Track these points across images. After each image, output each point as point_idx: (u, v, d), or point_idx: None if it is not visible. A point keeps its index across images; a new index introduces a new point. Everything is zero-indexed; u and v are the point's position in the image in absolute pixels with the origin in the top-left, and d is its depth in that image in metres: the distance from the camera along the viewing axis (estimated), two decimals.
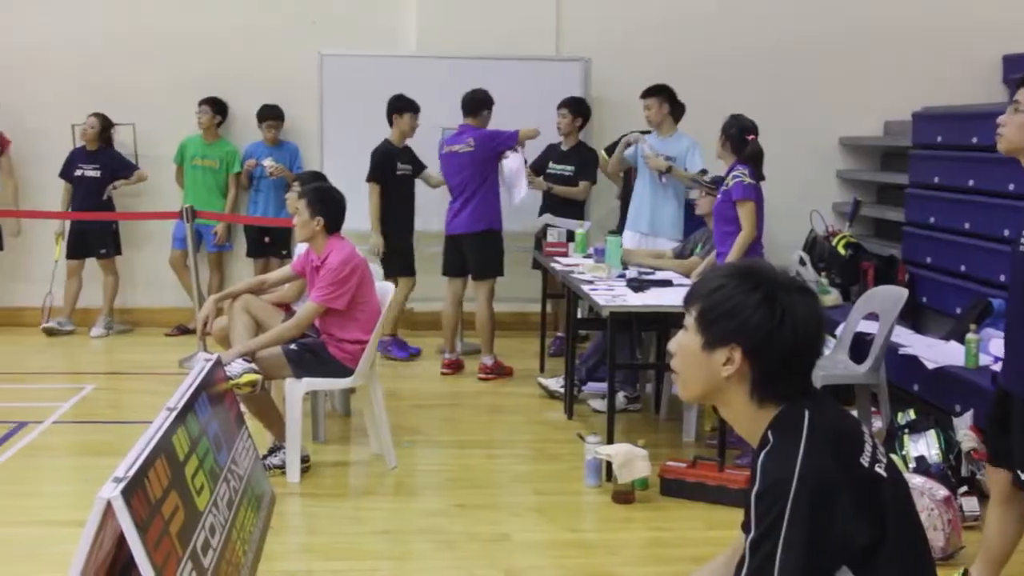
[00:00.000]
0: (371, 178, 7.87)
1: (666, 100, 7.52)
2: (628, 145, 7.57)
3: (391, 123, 7.99)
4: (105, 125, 8.87)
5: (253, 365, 5.15)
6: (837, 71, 9.25)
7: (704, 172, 7.29)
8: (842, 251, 7.93)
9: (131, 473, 2.64)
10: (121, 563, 2.72)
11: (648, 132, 7.64)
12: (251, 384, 5.08)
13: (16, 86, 8.97)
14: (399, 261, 7.94)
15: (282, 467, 5.38)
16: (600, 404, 6.62)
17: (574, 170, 8.13)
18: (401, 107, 7.96)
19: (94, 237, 8.91)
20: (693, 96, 8.02)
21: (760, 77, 9.14)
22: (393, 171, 7.97)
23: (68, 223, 8.96)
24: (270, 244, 9.05)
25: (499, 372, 7.66)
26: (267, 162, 8.69)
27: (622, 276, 6.29)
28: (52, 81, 9.03)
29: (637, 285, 5.98)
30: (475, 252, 7.70)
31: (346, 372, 5.45)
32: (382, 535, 4.79)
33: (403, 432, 6.20)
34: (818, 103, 9.27)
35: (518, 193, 7.72)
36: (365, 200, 7.80)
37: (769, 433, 2.13)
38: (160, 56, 9.05)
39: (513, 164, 7.65)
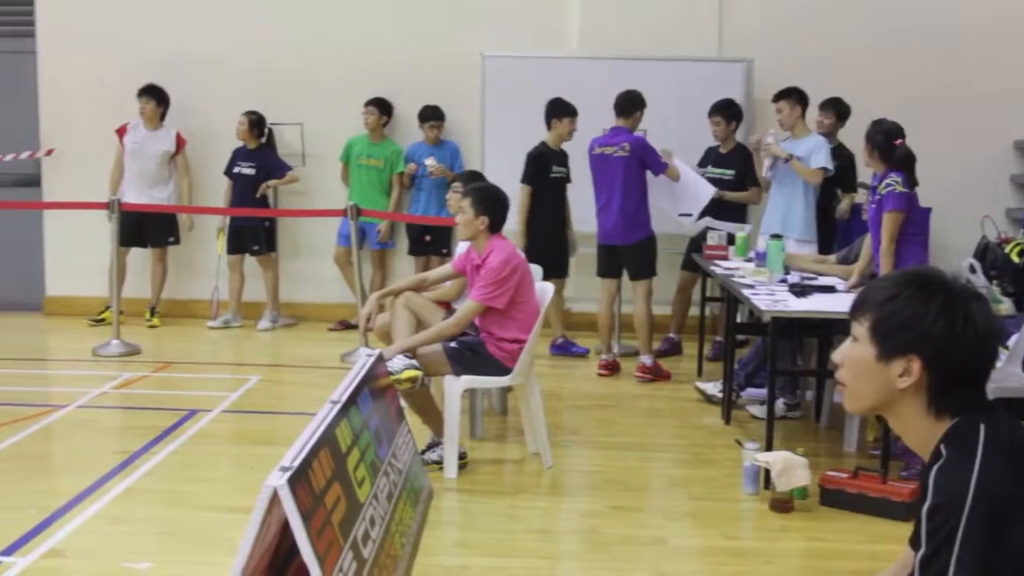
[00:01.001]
0: (526, 180, 7.94)
1: (797, 102, 7.54)
2: (766, 156, 7.51)
3: (549, 126, 8.03)
4: (254, 122, 9.07)
5: (414, 361, 5.23)
6: (1013, 71, 8.90)
7: (825, 170, 7.33)
8: (1016, 259, 7.63)
9: (296, 463, 2.71)
10: (284, 550, 2.80)
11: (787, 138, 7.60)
12: (412, 380, 5.15)
13: (192, 88, 9.32)
14: (551, 262, 7.91)
15: (440, 463, 5.44)
16: (759, 410, 6.51)
17: (734, 173, 8.06)
18: (560, 111, 7.99)
19: (248, 234, 9.16)
20: (857, 95, 7.83)
21: (929, 75, 8.87)
22: (547, 174, 8.02)
23: (228, 219, 9.25)
24: (431, 242, 9.17)
25: (657, 373, 7.60)
26: (429, 161, 8.80)
27: (784, 281, 6.17)
28: (225, 82, 9.36)
29: (800, 290, 5.84)
30: (631, 256, 7.69)
31: (505, 371, 5.49)
32: (538, 534, 4.81)
33: (559, 432, 6.22)
34: (992, 104, 8.93)
35: (691, 214, 7.72)
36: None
37: (942, 447, 2.05)
38: (327, 58, 9.30)
39: (704, 194, 7.71)
